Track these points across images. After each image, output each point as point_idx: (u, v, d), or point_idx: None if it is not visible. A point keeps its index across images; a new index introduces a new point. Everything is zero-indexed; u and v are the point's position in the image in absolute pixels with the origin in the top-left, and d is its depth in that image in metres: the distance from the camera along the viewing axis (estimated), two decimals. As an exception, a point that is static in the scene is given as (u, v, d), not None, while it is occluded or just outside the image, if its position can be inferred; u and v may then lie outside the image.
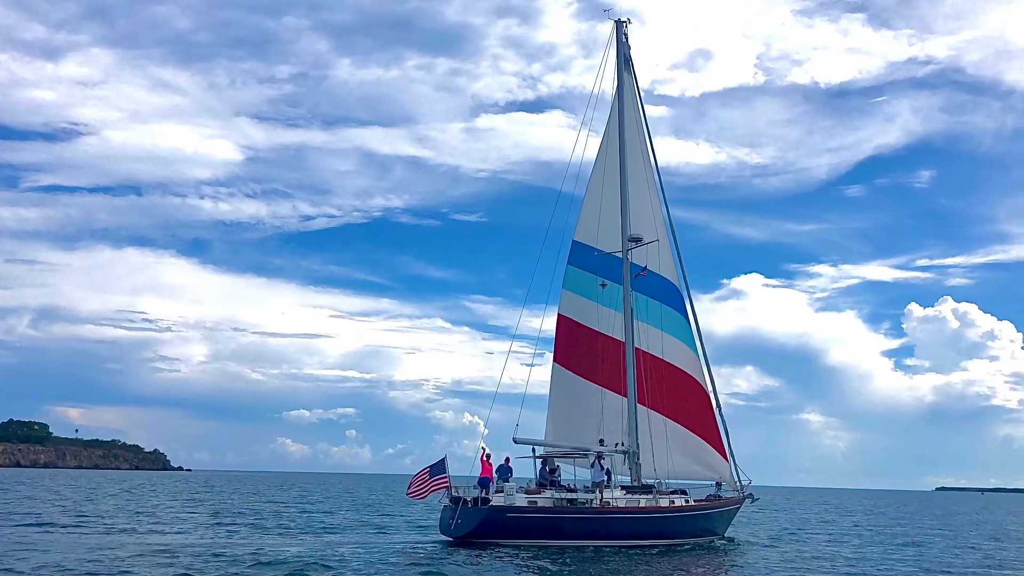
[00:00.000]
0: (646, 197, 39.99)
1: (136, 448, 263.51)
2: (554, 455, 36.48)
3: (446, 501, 33.62)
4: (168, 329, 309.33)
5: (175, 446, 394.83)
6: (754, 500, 41.56)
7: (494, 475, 33.79)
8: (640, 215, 39.39)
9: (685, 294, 40.54)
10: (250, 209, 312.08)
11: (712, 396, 40.07)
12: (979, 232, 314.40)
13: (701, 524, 37.42)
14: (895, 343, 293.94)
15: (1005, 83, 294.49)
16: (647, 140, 40.82)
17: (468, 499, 32.61)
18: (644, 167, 40.38)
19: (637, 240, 38.59)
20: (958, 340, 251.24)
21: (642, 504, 35.33)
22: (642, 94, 40.97)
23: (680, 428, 39.15)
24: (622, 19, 40.72)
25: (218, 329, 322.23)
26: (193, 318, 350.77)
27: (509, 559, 28.44)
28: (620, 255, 38.91)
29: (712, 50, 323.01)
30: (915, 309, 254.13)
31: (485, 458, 34.00)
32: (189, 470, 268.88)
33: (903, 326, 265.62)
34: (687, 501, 37.13)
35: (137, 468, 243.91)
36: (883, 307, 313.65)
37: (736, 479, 40.01)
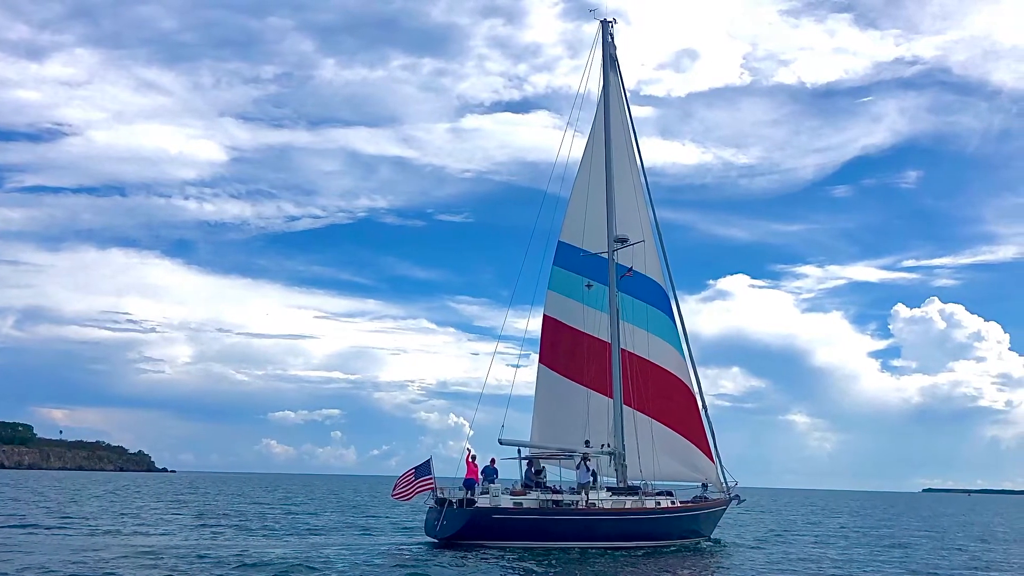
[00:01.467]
0: (632, 198, 40.07)
1: (120, 449, 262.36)
2: (540, 456, 36.57)
3: (431, 502, 33.67)
4: (152, 330, 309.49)
5: (159, 447, 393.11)
6: (740, 501, 41.68)
7: (479, 476, 33.81)
8: (626, 216, 39.43)
9: (671, 295, 40.58)
10: (235, 210, 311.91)
11: (698, 397, 40.13)
12: (966, 233, 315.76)
13: (687, 526, 37.49)
14: (882, 344, 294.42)
15: (992, 83, 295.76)
16: (633, 140, 40.88)
17: (453, 500, 32.64)
18: (630, 167, 40.45)
19: (623, 241, 38.66)
20: (945, 341, 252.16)
21: (628, 505, 35.40)
22: (628, 94, 41.20)
23: (666, 429, 39.20)
24: (608, 19, 40.83)
25: (203, 330, 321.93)
26: (177, 319, 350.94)
27: (494, 561, 28.49)
28: (606, 256, 38.97)
29: (698, 50, 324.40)
30: (902, 310, 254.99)
31: (470, 459, 34.00)
32: (174, 471, 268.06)
33: (890, 327, 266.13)
34: (673, 502, 37.20)
35: (121, 470, 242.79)
36: (870, 308, 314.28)
37: (722, 480, 40.09)
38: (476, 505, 32.45)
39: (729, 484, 40.24)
